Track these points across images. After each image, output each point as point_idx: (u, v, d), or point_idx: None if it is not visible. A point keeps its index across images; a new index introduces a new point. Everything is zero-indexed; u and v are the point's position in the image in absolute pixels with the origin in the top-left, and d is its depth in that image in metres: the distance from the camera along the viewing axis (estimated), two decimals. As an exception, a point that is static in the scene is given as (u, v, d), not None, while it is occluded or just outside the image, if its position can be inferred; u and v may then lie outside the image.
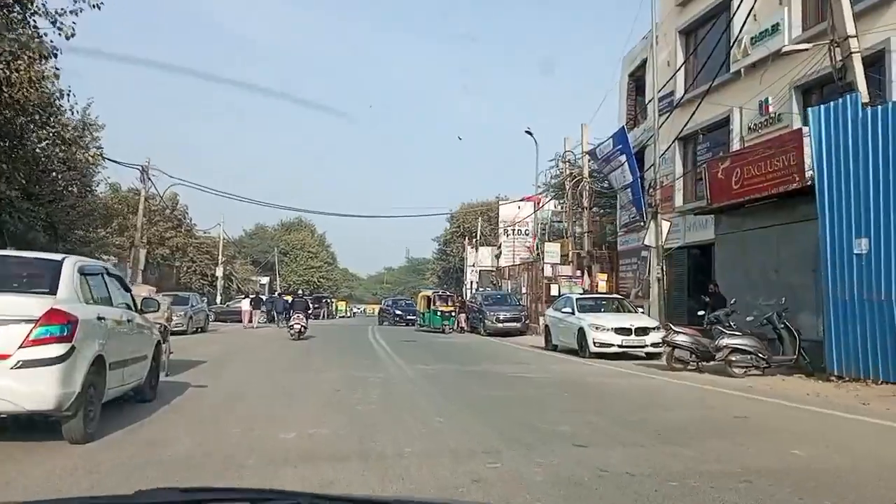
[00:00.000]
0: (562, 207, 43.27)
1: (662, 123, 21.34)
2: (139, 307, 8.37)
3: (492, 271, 45.16)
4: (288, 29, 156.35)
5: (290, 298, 33.44)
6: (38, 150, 23.95)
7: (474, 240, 50.57)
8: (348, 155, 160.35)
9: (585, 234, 29.95)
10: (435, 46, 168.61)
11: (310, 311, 26.97)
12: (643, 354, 16.40)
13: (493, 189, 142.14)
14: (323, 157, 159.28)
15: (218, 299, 47.19)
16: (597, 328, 16.26)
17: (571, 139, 31.92)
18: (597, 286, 27.12)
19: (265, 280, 66.78)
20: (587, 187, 30.11)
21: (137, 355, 7.96)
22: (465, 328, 29.18)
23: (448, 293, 31.31)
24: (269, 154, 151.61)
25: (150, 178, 30.39)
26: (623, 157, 24.93)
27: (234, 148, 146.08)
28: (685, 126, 20.06)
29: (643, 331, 16.26)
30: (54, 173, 25.29)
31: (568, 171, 31.74)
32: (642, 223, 24.89)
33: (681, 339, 13.85)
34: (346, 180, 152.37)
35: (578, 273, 28.45)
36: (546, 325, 19.54)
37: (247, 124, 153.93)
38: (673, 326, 14.11)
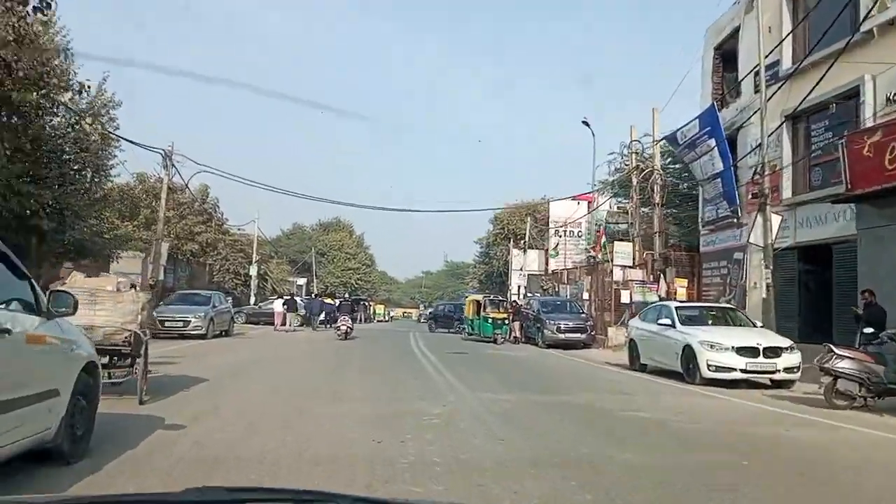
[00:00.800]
0: (619, 207, 39.29)
1: (771, 96, 17.32)
2: (46, 306, 4.85)
3: (541, 275, 41.26)
4: (324, 38, 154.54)
5: (332, 301, 35.31)
6: (47, 129, 21.07)
7: (522, 241, 46.71)
8: (387, 160, 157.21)
9: (656, 235, 25.96)
10: (469, 45, 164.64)
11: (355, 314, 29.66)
12: (768, 381, 12.46)
13: (538, 190, 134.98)
14: (360, 161, 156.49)
15: (252, 300, 44.08)
16: (711, 346, 12.32)
17: (638, 128, 27.99)
18: (675, 293, 23.10)
19: (302, 281, 63.80)
20: (659, 180, 26.15)
21: (31, 392, 4.42)
22: (520, 338, 25.35)
23: (500, 298, 27.45)
24: (306, 160, 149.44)
25: (173, 165, 27.20)
26: (712, 142, 20.95)
27: (270, 154, 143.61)
28: (805, 99, 16.01)
29: (773, 351, 12.27)
30: (65, 155, 22.33)
31: (635, 164, 27.70)
32: (735, 219, 20.89)
33: (846, 366, 9.91)
34: (386, 185, 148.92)
35: (651, 278, 24.47)
36: (631, 340, 15.63)
37: (282, 131, 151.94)
38: (834, 349, 10.15)
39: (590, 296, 25.80)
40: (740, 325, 13.88)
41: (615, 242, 24.61)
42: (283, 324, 32.70)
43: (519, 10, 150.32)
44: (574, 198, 42.23)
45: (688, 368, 12.74)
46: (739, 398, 10.81)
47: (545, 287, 40.24)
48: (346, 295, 38.20)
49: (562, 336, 22.84)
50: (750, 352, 12.14)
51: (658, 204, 26.22)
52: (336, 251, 72.65)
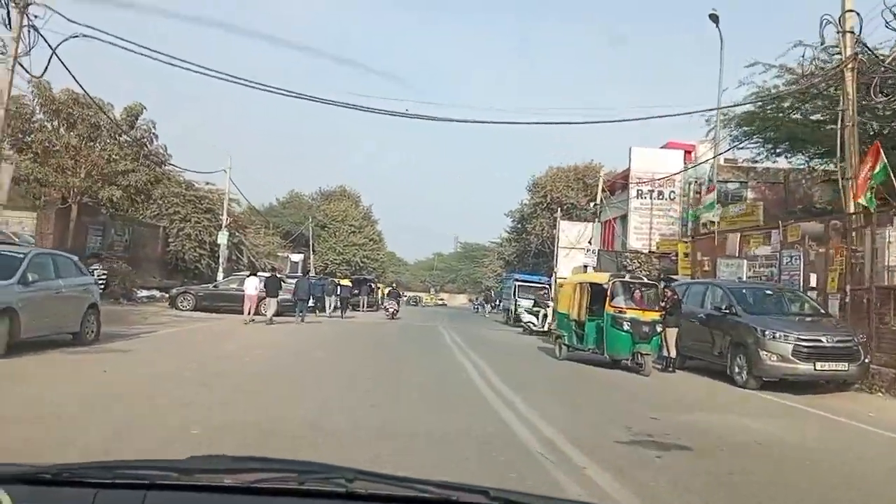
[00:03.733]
0: (727, 160, 26.50)
1: None
2: None
3: (622, 253, 28.35)
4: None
5: (347, 283, 34.70)
6: None
7: (595, 205, 33.73)
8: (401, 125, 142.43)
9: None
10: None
11: (401, 300, 35.79)
12: None
13: (586, 152, 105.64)
14: (373, 126, 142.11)
15: (220, 276, 31.03)
16: None
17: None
18: None
19: (298, 257, 50.97)
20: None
21: None
22: (674, 359, 12.40)
23: (649, 280, 13.73)
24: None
25: (32, 25, 14.01)
26: None
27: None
28: None
29: None
30: None
31: (851, 52, 14.52)
32: None
33: None
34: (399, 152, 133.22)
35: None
36: None
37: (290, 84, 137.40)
38: None
39: (823, 283, 12.57)
40: None
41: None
42: (254, 312, 20.16)
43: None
44: (667, 144, 29.34)
45: None
46: None
47: (627, 266, 27.27)
48: (394, 284, 42.08)
49: (806, 367, 9.84)
50: None
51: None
52: (338, 223, 59.44)
